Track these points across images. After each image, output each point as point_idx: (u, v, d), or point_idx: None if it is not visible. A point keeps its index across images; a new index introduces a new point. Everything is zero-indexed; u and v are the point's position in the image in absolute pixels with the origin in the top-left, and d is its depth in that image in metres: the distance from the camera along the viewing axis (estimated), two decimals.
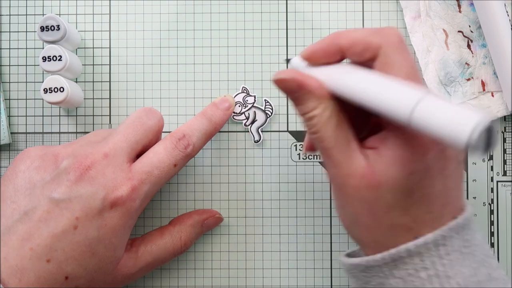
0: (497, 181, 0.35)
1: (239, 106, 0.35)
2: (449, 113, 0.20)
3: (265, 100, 0.35)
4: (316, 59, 0.27)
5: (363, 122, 0.28)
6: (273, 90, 0.35)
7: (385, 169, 0.24)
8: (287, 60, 0.30)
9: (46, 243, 0.26)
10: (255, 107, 0.35)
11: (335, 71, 0.26)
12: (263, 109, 0.35)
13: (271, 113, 0.35)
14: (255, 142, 0.35)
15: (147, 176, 0.28)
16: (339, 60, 0.27)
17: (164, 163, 0.29)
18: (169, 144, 0.29)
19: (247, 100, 0.35)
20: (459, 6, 0.35)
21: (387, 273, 0.26)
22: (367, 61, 0.26)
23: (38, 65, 0.33)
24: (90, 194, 0.27)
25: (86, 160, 0.27)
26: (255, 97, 0.35)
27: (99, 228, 0.27)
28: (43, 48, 0.35)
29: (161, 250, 0.32)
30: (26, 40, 0.36)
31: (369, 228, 0.26)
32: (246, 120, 0.35)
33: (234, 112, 0.35)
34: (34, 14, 0.36)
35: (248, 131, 0.35)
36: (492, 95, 0.35)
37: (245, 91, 0.35)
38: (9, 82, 0.36)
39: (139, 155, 0.30)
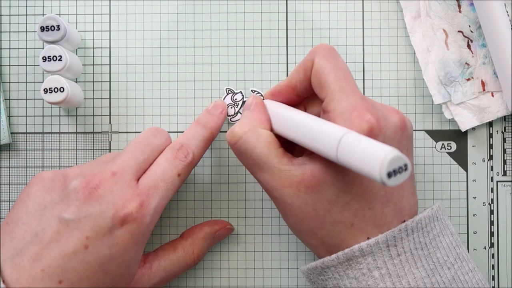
0: (497, 181, 0.35)
1: (231, 107, 0.35)
2: (363, 151, 0.22)
3: (251, 90, 0.35)
4: (274, 95, 0.31)
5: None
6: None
7: (324, 167, 0.26)
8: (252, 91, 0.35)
9: (57, 264, 0.26)
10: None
11: (274, 112, 0.30)
12: None
13: (263, 98, 0.35)
14: None
15: (154, 190, 0.28)
16: (296, 98, 0.31)
17: (167, 175, 0.29)
18: (169, 155, 0.30)
19: (235, 99, 0.35)
20: (459, 6, 0.35)
21: (342, 273, 0.27)
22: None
23: (38, 65, 0.33)
24: (99, 212, 0.27)
25: (94, 179, 0.27)
26: (241, 93, 0.35)
27: (111, 247, 0.27)
28: (43, 48, 0.35)
29: (175, 264, 0.32)
30: (26, 40, 0.36)
31: (314, 230, 0.27)
32: (232, 116, 0.35)
33: (229, 115, 0.35)
34: (34, 14, 0.36)
35: None
36: (492, 95, 0.35)
37: (229, 91, 0.35)
38: (9, 82, 0.36)
39: None
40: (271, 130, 0.29)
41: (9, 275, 0.26)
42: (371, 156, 0.21)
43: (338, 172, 0.26)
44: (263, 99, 0.32)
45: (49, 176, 0.29)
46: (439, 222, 0.28)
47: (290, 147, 0.30)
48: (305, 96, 0.31)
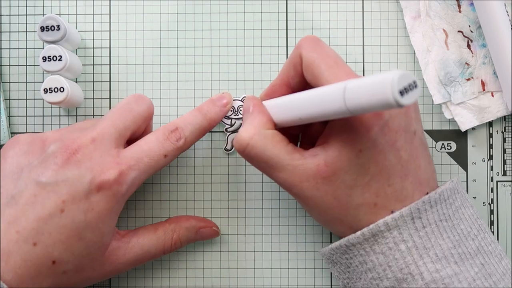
0: (497, 181, 0.35)
1: (231, 111, 0.35)
2: (370, 83, 0.22)
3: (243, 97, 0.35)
4: (270, 95, 0.31)
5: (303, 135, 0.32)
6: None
7: (337, 155, 0.26)
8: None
9: (32, 227, 0.26)
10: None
11: (273, 105, 0.30)
12: None
13: None
14: (225, 150, 0.35)
15: (136, 162, 0.28)
16: (288, 91, 0.31)
17: (154, 152, 0.29)
18: (161, 135, 0.30)
19: (240, 110, 0.35)
20: (459, 6, 0.35)
21: (368, 249, 0.27)
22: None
23: (38, 65, 0.33)
24: (76, 177, 0.27)
25: (73, 144, 0.27)
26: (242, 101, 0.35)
27: (86, 212, 0.27)
28: (43, 48, 0.35)
29: (153, 245, 0.32)
30: (26, 40, 0.36)
31: (340, 217, 0.27)
32: (229, 126, 0.35)
33: (226, 121, 0.35)
34: (34, 14, 0.36)
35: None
36: (492, 95, 0.35)
37: (243, 101, 0.35)
38: (9, 82, 0.36)
39: (129, 142, 0.30)
40: (275, 128, 0.29)
41: None
42: (379, 84, 0.21)
43: (351, 156, 0.26)
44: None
45: (26, 140, 0.29)
46: (459, 195, 0.28)
47: (297, 143, 0.30)
48: (299, 90, 0.31)
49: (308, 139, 0.32)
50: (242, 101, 0.35)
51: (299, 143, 0.34)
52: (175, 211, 0.35)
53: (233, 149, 0.35)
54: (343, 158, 0.26)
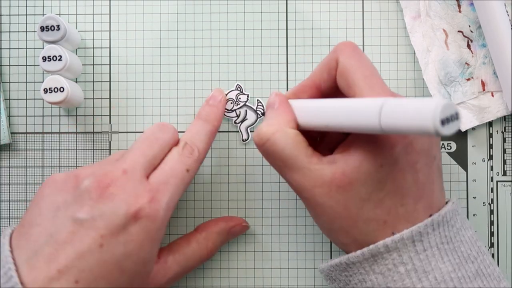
0: (497, 181, 0.35)
1: (231, 103, 0.35)
2: (411, 107, 0.21)
3: (257, 100, 0.35)
4: (297, 95, 0.31)
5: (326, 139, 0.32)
6: (267, 91, 0.35)
7: (357, 166, 0.26)
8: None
9: (73, 264, 0.26)
10: (247, 106, 0.35)
11: (300, 107, 0.29)
12: (255, 108, 0.35)
13: (262, 113, 0.35)
14: (243, 141, 0.35)
15: (165, 185, 0.28)
16: (317, 94, 0.30)
17: (176, 170, 0.29)
18: (176, 153, 0.30)
19: (239, 98, 0.35)
20: (459, 6, 0.35)
21: (368, 269, 0.27)
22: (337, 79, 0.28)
23: (38, 65, 0.33)
24: (112, 210, 0.27)
25: (105, 178, 0.27)
26: (248, 96, 0.35)
27: (126, 244, 0.27)
28: (43, 48, 0.35)
29: (189, 258, 0.32)
30: (26, 40, 0.36)
31: (346, 229, 0.27)
32: (236, 118, 0.35)
33: (226, 109, 0.35)
34: (34, 14, 0.36)
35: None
36: (492, 95, 0.35)
37: (239, 88, 0.35)
38: (9, 82, 0.36)
39: None
40: (298, 128, 0.29)
41: (26, 276, 0.26)
42: (420, 109, 0.21)
43: (371, 169, 0.26)
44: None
45: (60, 178, 0.29)
46: (459, 216, 0.28)
47: (314, 147, 0.30)
48: (329, 96, 0.30)
49: (326, 144, 0.32)
50: (237, 89, 0.35)
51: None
52: (175, 211, 0.35)
53: (249, 139, 0.35)
54: (362, 170, 0.26)
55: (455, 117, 0.21)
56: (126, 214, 0.27)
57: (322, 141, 0.32)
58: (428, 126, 0.20)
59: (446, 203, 0.28)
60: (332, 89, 0.29)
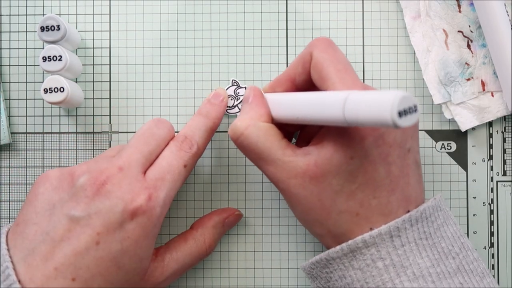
0: (497, 181, 0.35)
1: (231, 99, 0.35)
2: (371, 99, 0.22)
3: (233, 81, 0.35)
4: (273, 89, 0.31)
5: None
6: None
7: (328, 157, 0.26)
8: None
9: (70, 262, 0.26)
10: None
11: (274, 100, 0.30)
12: None
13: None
14: None
15: (161, 182, 0.28)
16: (292, 87, 0.31)
17: (174, 166, 0.29)
18: (174, 148, 0.30)
19: (238, 93, 0.35)
20: (459, 6, 0.35)
21: (347, 264, 0.27)
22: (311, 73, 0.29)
23: (38, 65, 0.33)
24: (108, 208, 0.27)
25: (101, 175, 0.27)
26: (245, 88, 0.35)
27: (122, 241, 0.27)
28: (43, 48, 0.35)
29: (187, 255, 0.32)
30: (26, 40, 0.36)
31: (320, 220, 0.28)
32: (239, 112, 0.35)
33: (227, 107, 0.35)
34: (34, 14, 0.36)
35: None
36: (492, 95, 0.35)
37: (235, 83, 0.35)
38: (9, 82, 0.36)
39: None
40: (272, 122, 0.30)
41: (23, 274, 0.26)
42: (379, 102, 0.21)
43: (342, 161, 0.26)
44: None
45: (55, 175, 0.29)
46: (442, 212, 0.28)
47: (290, 140, 0.31)
48: (303, 88, 0.31)
49: (305, 138, 0.32)
50: (234, 84, 0.35)
51: (294, 139, 0.34)
52: (175, 211, 0.35)
53: None
54: (334, 162, 0.26)
55: (413, 109, 0.21)
56: (123, 212, 0.27)
57: (301, 134, 0.33)
58: (386, 118, 0.21)
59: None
60: (306, 82, 0.30)
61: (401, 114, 0.21)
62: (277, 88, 0.31)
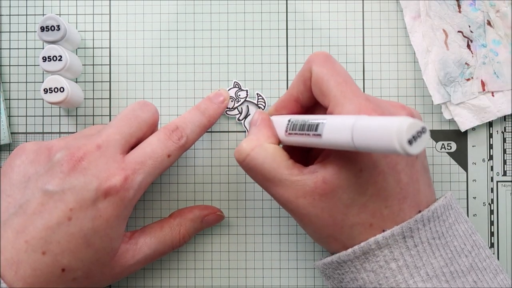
0: (497, 181, 0.35)
1: (232, 101, 0.35)
2: (378, 129, 0.21)
3: (257, 93, 0.35)
4: (278, 111, 0.31)
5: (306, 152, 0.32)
6: (267, 91, 0.35)
7: (336, 173, 0.26)
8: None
9: (41, 236, 0.26)
10: (248, 101, 0.35)
11: (280, 122, 0.30)
12: (256, 103, 0.35)
13: (264, 107, 0.35)
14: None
15: (141, 166, 0.28)
16: (300, 110, 0.31)
17: (157, 154, 0.29)
18: (163, 135, 0.30)
19: (239, 95, 0.35)
20: (459, 6, 0.35)
21: (359, 267, 0.27)
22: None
23: (38, 65, 0.33)
24: (83, 185, 0.27)
25: (78, 152, 0.27)
26: (247, 92, 0.35)
27: (94, 219, 0.27)
28: (43, 48, 0.35)
29: (160, 242, 0.32)
30: (26, 40, 0.36)
31: (334, 235, 0.27)
32: (239, 114, 0.35)
33: (227, 108, 0.35)
34: (34, 14, 0.36)
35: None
36: (492, 95, 0.35)
37: (237, 85, 0.35)
38: (9, 82, 0.36)
39: (133, 148, 0.30)
40: (279, 144, 0.29)
41: None
42: (386, 131, 0.21)
43: (350, 175, 0.26)
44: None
45: (32, 148, 0.29)
46: (453, 210, 0.28)
47: (300, 160, 0.30)
48: (308, 106, 0.31)
49: (314, 155, 0.32)
50: (235, 86, 0.35)
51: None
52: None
53: None
54: (342, 176, 0.26)
55: (421, 132, 0.21)
56: (97, 190, 0.27)
57: (310, 152, 0.32)
58: (396, 148, 0.20)
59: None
60: (310, 99, 0.30)
61: (410, 141, 0.20)
62: (282, 110, 0.31)
